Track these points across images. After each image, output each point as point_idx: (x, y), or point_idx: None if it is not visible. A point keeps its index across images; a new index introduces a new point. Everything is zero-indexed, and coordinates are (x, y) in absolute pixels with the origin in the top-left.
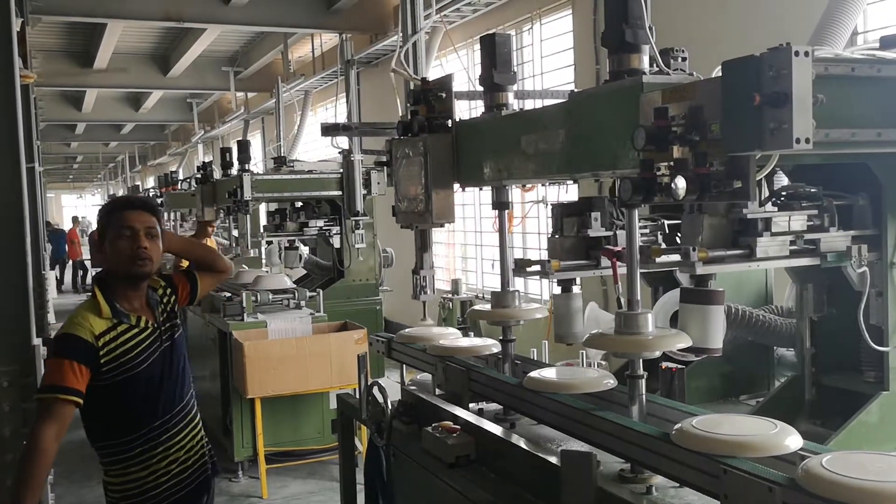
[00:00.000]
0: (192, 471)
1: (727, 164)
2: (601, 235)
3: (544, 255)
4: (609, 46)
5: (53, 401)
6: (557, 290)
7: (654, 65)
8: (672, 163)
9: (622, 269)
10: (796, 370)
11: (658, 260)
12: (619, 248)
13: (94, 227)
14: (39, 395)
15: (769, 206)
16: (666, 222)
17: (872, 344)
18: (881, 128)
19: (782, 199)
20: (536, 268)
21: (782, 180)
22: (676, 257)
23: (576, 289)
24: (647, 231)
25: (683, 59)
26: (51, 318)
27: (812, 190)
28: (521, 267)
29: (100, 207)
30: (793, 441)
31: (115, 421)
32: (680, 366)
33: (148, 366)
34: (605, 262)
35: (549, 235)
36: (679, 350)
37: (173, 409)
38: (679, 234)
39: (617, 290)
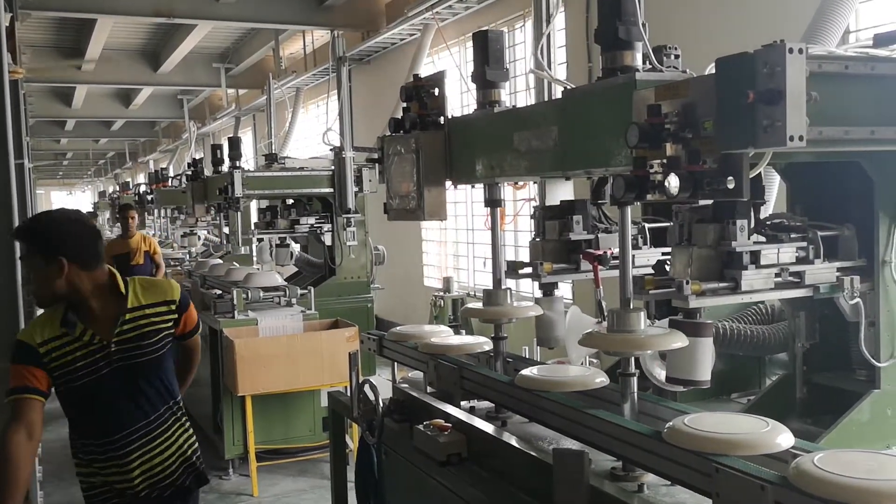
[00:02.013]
0: (151, 486)
1: (720, 162)
2: (583, 239)
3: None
4: (602, 43)
5: (16, 401)
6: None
7: (648, 62)
8: (665, 160)
9: (603, 273)
10: (788, 369)
11: (652, 291)
12: (600, 252)
13: None
14: (6, 399)
15: (754, 238)
16: (647, 226)
17: (875, 362)
18: (874, 126)
19: (766, 229)
20: (528, 270)
21: (768, 209)
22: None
23: (558, 293)
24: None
25: (676, 57)
26: None
27: (797, 223)
28: (513, 269)
29: None
30: (784, 439)
31: (72, 425)
32: None
33: (88, 382)
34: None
35: (531, 239)
36: (667, 381)
37: (121, 431)
38: (669, 262)
39: (598, 293)
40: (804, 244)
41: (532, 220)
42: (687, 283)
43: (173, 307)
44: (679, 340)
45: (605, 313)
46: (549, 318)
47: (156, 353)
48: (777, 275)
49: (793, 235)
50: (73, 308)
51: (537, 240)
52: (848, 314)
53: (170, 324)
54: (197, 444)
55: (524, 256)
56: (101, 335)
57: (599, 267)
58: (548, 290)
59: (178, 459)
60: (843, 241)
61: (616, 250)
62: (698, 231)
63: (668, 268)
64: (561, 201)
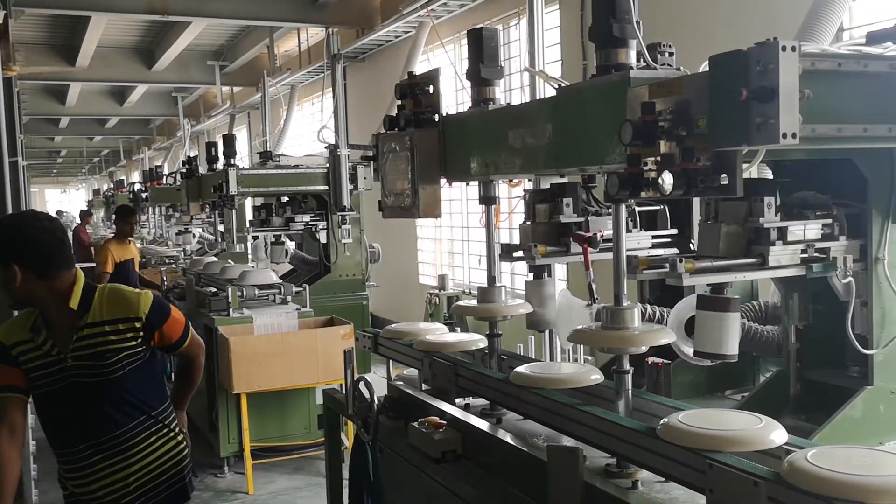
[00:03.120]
0: (118, 500)
1: (714, 160)
2: (573, 221)
3: None
4: (596, 41)
5: None
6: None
7: (642, 59)
8: (659, 158)
9: (593, 256)
10: (781, 365)
11: (645, 271)
12: (590, 234)
13: (78, 222)
14: None
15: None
16: (637, 209)
17: (861, 349)
18: (867, 123)
19: (790, 207)
20: (522, 253)
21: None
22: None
23: (549, 276)
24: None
25: (671, 54)
26: None
27: (820, 201)
28: (508, 252)
29: None
30: (778, 436)
31: (45, 430)
32: (665, 361)
33: (45, 393)
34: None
35: (522, 222)
36: (695, 355)
37: (68, 448)
38: (679, 250)
39: (588, 276)
40: (829, 221)
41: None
42: (681, 261)
43: (138, 325)
44: (668, 336)
45: (596, 296)
46: (539, 301)
47: (113, 373)
48: (803, 251)
49: (818, 213)
50: (42, 314)
51: (527, 223)
52: (840, 294)
53: (133, 343)
54: (185, 454)
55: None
56: (60, 347)
57: (589, 249)
58: (538, 273)
59: (151, 472)
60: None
61: (606, 232)
62: (725, 208)
63: (692, 245)
64: (551, 184)
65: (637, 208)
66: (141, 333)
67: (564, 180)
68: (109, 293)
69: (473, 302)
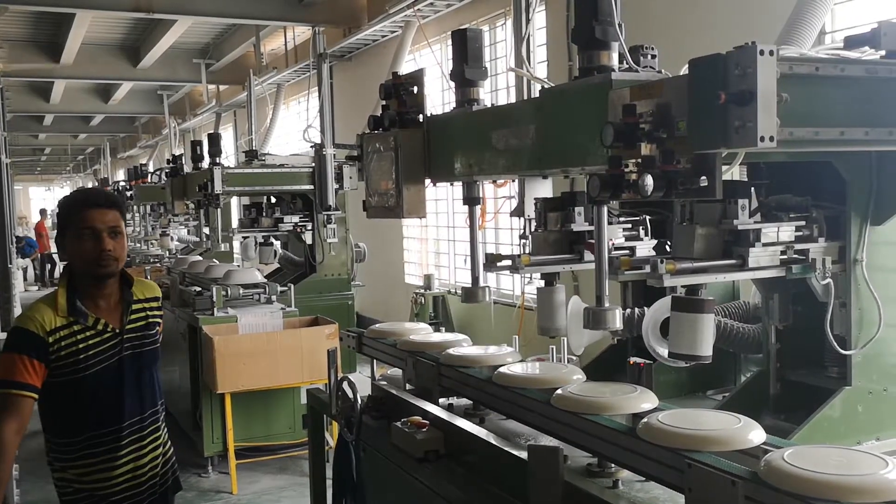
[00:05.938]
0: (137, 490)
1: (693, 162)
2: (584, 230)
3: (517, 251)
4: (579, 43)
5: (7, 396)
6: (540, 283)
7: (624, 62)
8: (640, 160)
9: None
10: (762, 365)
11: (627, 272)
12: None
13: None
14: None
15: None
16: (648, 218)
17: (840, 349)
18: (844, 126)
19: (767, 208)
20: (507, 262)
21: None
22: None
23: (559, 283)
24: (629, 227)
25: (653, 57)
26: (18, 312)
27: (798, 203)
28: (492, 262)
29: (60, 200)
30: (756, 435)
31: (60, 420)
32: (648, 361)
33: (98, 371)
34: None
35: (532, 230)
36: (669, 356)
37: (122, 422)
38: (669, 244)
39: None
40: (803, 223)
41: (519, 219)
42: (661, 261)
43: (160, 304)
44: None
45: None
46: (549, 308)
47: (156, 342)
48: (783, 252)
49: (792, 215)
50: (80, 295)
51: (539, 231)
52: (819, 294)
53: (161, 319)
54: (173, 450)
55: (505, 253)
56: (113, 324)
57: None
58: (549, 280)
59: (159, 463)
60: (845, 220)
61: (617, 240)
62: (700, 210)
63: (668, 247)
64: (562, 193)
65: (648, 217)
66: (162, 312)
67: (548, 181)
68: (136, 276)
69: (466, 350)
